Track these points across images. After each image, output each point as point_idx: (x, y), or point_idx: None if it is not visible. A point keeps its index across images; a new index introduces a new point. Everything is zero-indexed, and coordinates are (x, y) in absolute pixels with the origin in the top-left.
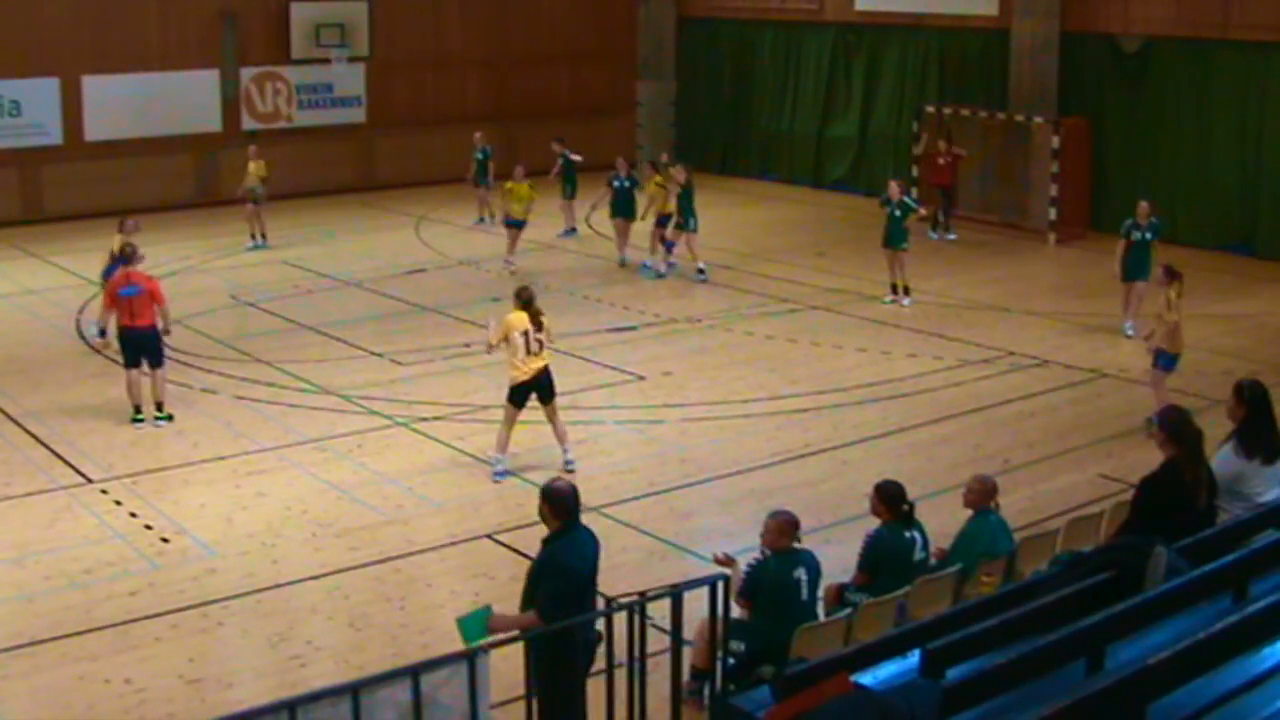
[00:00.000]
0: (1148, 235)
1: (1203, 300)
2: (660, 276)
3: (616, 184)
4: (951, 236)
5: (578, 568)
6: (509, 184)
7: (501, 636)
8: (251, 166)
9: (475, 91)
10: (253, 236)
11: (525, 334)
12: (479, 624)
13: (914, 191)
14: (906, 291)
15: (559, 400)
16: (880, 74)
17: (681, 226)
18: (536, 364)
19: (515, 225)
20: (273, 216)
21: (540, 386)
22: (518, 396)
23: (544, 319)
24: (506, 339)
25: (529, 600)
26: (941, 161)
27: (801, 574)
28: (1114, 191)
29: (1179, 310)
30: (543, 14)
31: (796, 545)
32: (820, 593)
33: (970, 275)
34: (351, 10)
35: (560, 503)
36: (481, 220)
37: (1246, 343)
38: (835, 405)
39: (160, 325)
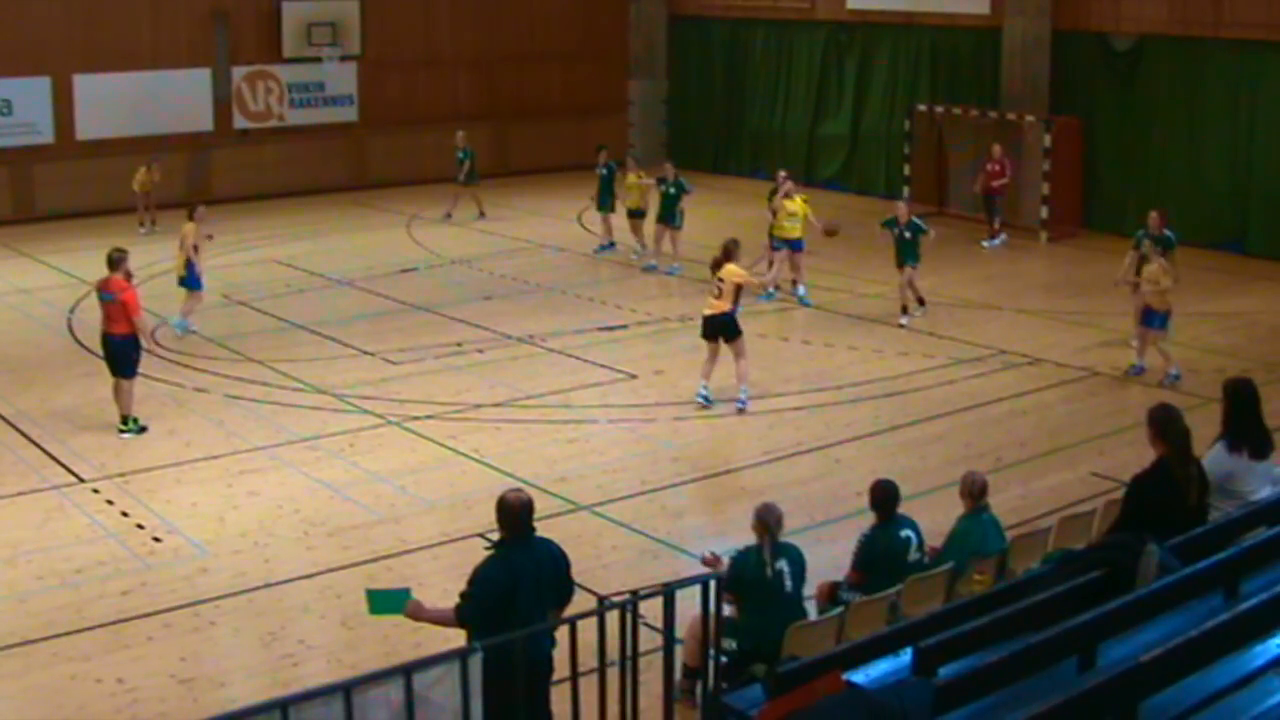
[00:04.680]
0: (1158, 248)
1: (1194, 299)
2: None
3: (663, 188)
4: (997, 242)
5: (500, 581)
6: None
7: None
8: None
9: (466, 90)
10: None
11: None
12: (392, 602)
13: (906, 191)
14: (921, 303)
15: (552, 398)
16: (872, 73)
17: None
18: (716, 305)
19: (634, 216)
20: (266, 216)
21: (711, 325)
22: (701, 330)
23: (723, 271)
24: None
25: None
26: (995, 168)
27: (784, 565)
28: (1105, 190)
29: (1173, 276)
30: (534, 13)
31: (781, 539)
32: (813, 591)
33: (962, 273)
34: (343, 9)
35: (505, 514)
36: (449, 216)
37: (1238, 341)
38: (827, 404)
39: (135, 335)
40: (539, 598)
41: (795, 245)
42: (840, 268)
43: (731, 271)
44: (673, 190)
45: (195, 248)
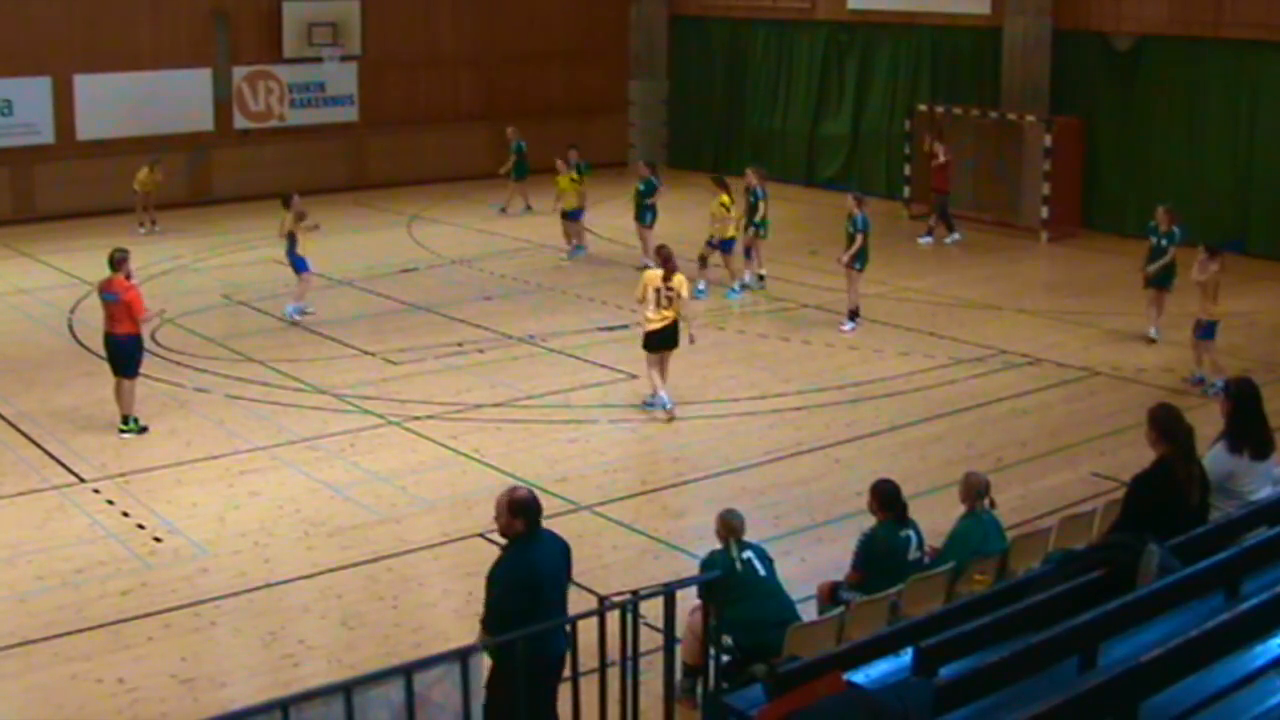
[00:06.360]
0: (1163, 243)
1: (1195, 299)
2: (746, 288)
3: (643, 188)
4: (927, 240)
5: (521, 579)
6: (556, 177)
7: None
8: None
9: (467, 90)
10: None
11: (657, 290)
12: None
13: (906, 191)
14: (852, 316)
15: (552, 398)
16: (872, 72)
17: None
18: (668, 314)
19: (568, 217)
20: (266, 216)
21: (666, 336)
22: (650, 344)
23: (676, 275)
24: (644, 295)
25: None
26: (941, 161)
27: (750, 555)
28: (1106, 190)
29: (1205, 274)
30: (535, 13)
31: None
32: (813, 591)
33: (962, 273)
34: (344, 9)
35: (520, 508)
36: (504, 210)
37: (1239, 341)
38: (827, 404)
39: (138, 335)
40: (558, 587)
41: (723, 245)
42: (842, 268)
43: (681, 281)
44: (641, 187)
45: (292, 235)
